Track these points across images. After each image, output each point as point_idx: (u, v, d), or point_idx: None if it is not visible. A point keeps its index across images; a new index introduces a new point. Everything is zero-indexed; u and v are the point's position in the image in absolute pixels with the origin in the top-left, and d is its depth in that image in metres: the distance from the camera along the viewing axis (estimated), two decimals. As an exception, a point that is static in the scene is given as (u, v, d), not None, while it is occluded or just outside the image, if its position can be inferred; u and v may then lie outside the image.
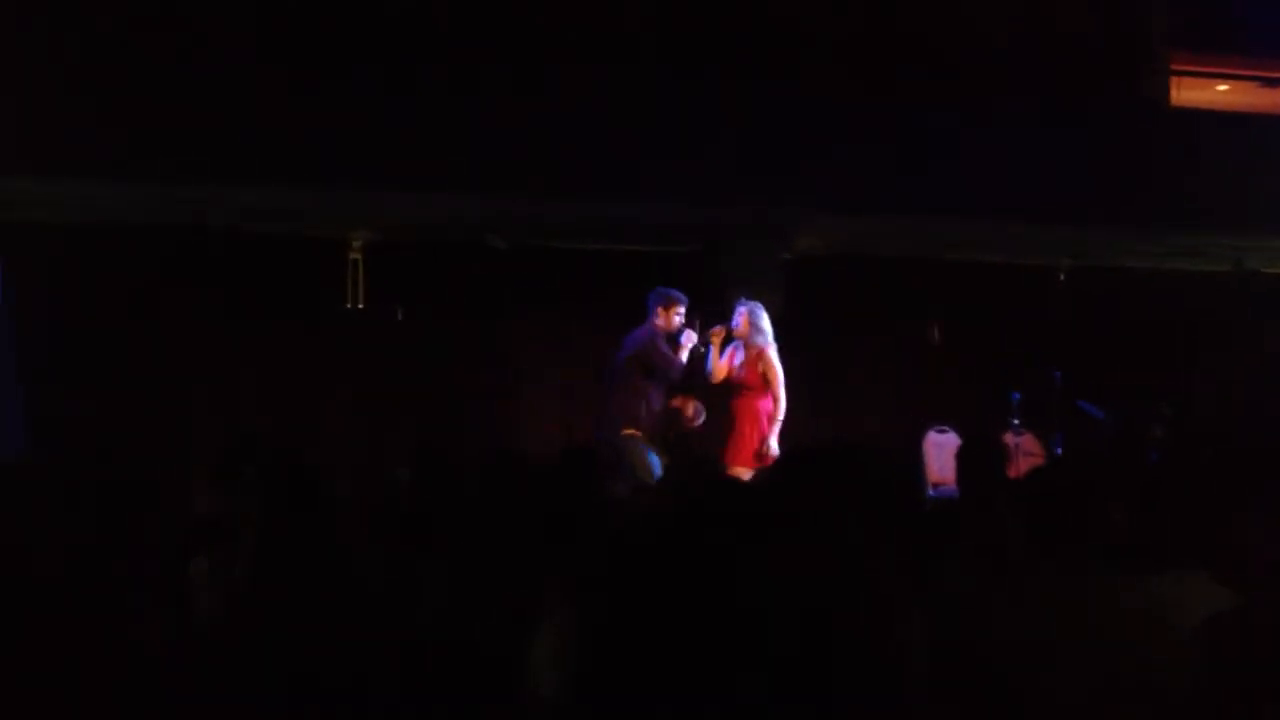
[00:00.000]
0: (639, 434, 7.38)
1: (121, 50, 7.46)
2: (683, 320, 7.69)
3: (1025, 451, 8.60)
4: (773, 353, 7.77)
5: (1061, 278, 9.83)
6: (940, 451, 8.55)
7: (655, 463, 7.12)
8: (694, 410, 7.83)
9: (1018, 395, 8.83)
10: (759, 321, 7.78)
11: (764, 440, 7.67)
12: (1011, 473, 7.36)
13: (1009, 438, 8.56)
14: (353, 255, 8.80)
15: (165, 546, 3.72)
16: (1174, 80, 9.98)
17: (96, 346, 8.16)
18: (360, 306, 8.78)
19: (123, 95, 7.36)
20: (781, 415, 7.75)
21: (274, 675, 2.79)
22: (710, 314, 7.87)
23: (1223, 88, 10.62)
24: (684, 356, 7.64)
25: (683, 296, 7.72)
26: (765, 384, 7.74)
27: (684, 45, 8.45)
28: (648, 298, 7.73)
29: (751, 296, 7.92)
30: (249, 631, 2.82)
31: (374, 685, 2.79)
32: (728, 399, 7.81)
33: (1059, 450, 8.78)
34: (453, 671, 2.70)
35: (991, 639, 2.66)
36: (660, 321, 7.66)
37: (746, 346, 7.78)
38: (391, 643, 2.76)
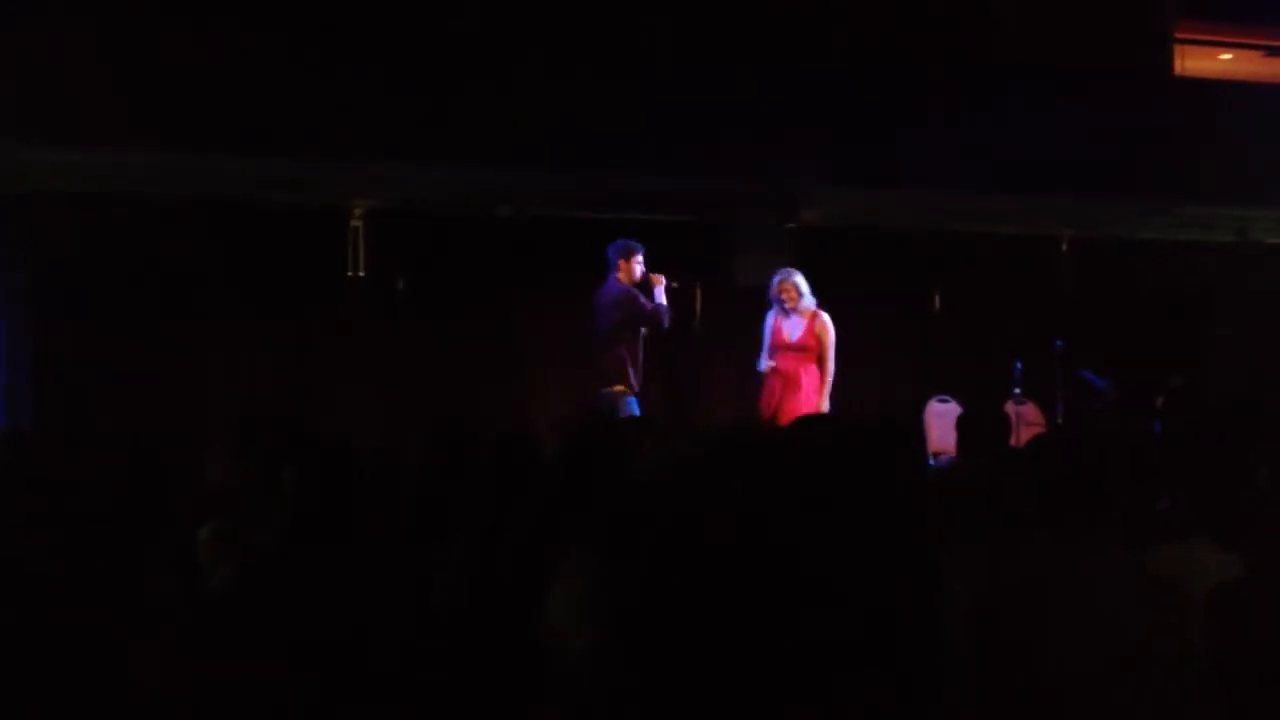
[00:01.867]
0: (625, 389, 7.51)
1: (127, 20, 7.43)
2: (643, 268, 7.70)
3: (1027, 421, 8.62)
4: (825, 314, 7.89)
5: (1064, 248, 9.83)
6: (942, 421, 8.56)
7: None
8: None
9: (1020, 364, 8.85)
10: (801, 286, 7.86)
11: (820, 407, 7.75)
12: (1013, 442, 7.41)
13: (1010, 407, 8.58)
14: (354, 223, 8.79)
15: (175, 515, 3.75)
16: (1178, 49, 9.95)
17: (103, 316, 8.16)
18: (361, 275, 8.77)
19: (128, 64, 7.33)
20: (831, 379, 7.86)
21: (287, 645, 2.81)
22: (715, 284, 7.88)
23: (1226, 57, 10.59)
24: (663, 304, 7.66)
25: (638, 245, 7.73)
26: (820, 347, 7.84)
27: (692, 18, 8.41)
28: (607, 251, 7.74)
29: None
30: (268, 601, 2.84)
31: (385, 657, 2.82)
32: (782, 365, 7.82)
33: (1060, 419, 8.81)
34: (466, 644, 2.72)
35: (997, 609, 2.69)
36: (621, 274, 7.69)
37: (799, 312, 7.84)
38: (405, 616, 2.79)
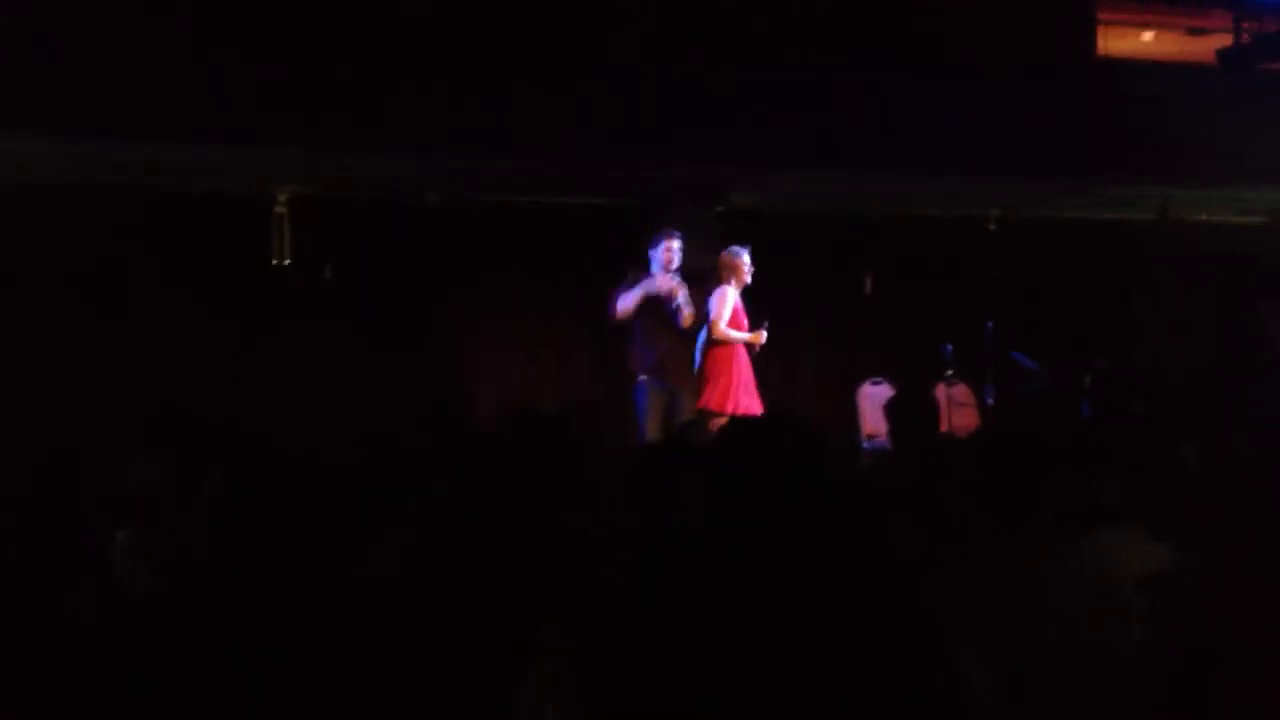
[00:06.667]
0: (645, 377, 7.58)
1: (42, 3, 7.22)
2: (671, 254, 7.65)
3: (958, 402, 8.69)
4: None
5: (991, 229, 9.91)
6: (875, 404, 8.62)
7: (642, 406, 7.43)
8: None
9: (950, 347, 8.90)
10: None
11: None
12: (944, 424, 7.46)
13: (941, 389, 8.63)
14: (278, 210, 8.63)
15: (91, 517, 3.63)
16: (1100, 29, 10.04)
17: (11, 310, 7.92)
18: (287, 263, 8.61)
19: (42, 49, 7.12)
20: None
21: (211, 653, 2.73)
22: (645, 268, 7.83)
23: (1148, 37, 10.70)
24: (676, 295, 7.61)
25: (669, 232, 7.70)
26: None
27: (620, 4, 8.34)
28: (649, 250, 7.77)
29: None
30: (189, 607, 2.75)
31: (321, 660, 2.75)
32: (727, 347, 7.70)
33: (990, 400, 8.88)
34: (406, 643, 2.66)
35: (927, 598, 2.66)
36: (658, 269, 7.68)
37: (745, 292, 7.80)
38: (339, 617, 2.71)
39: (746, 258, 7.80)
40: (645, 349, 7.61)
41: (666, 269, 7.66)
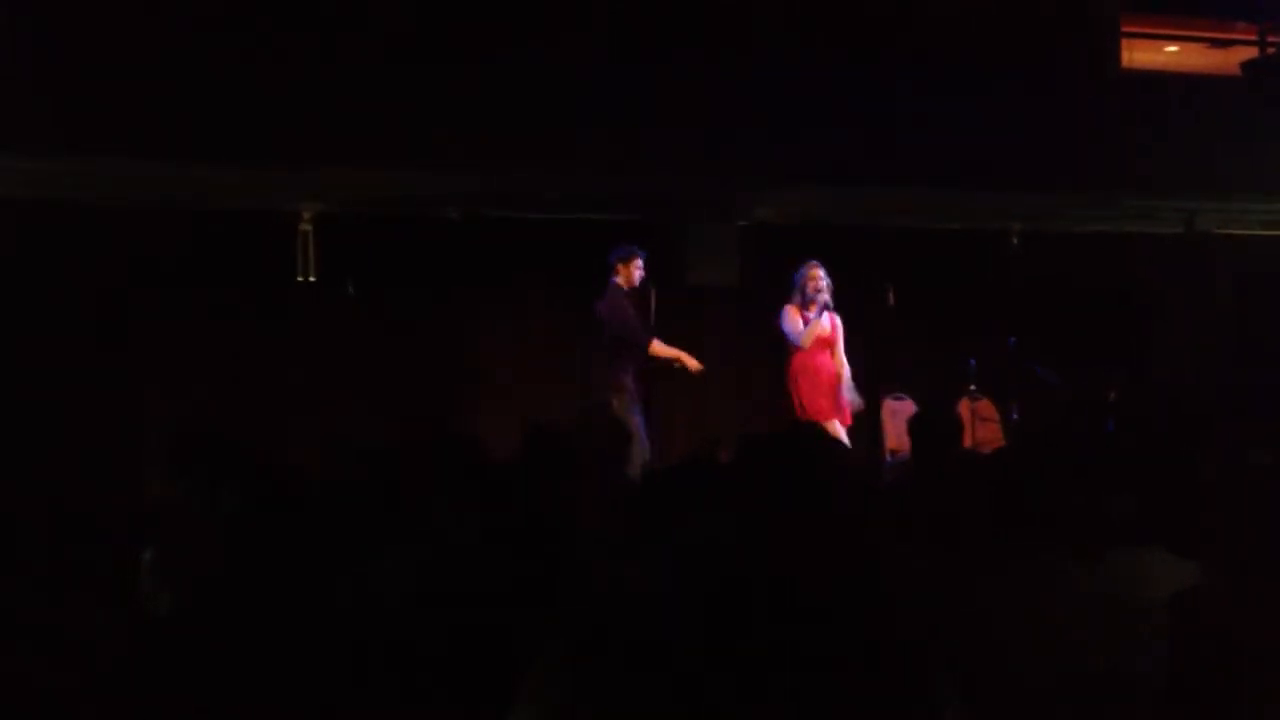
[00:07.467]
0: (624, 396, 7.56)
1: (61, 21, 7.28)
2: (643, 273, 7.69)
3: (982, 417, 8.65)
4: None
5: (1015, 243, 9.85)
6: (897, 419, 8.58)
7: (640, 424, 7.41)
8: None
9: (974, 362, 8.85)
10: (826, 277, 7.99)
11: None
12: (967, 439, 7.42)
13: (965, 404, 8.59)
14: (303, 228, 8.67)
15: (115, 537, 3.64)
16: (1124, 43, 10.00)
17: (37, 329, 7.96)
18: (311, 280, 8.64)
19: (63, 67, 7.19)
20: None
21: (234, 671, 2.73)
22: (668, 285, 7.83)
23: (1173, 49, 10.65)
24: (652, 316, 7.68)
25: (638, 249, 7.76)
26: (836, 340, 8.07)
27: (639, 15, 8.36)
28: (608, 258, 7.75)
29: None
30: (210, 627, 2.75)
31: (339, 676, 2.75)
32: (801, 357, 7.87)
33: (1015, 416, 8.82)
34: (420, 659, 2.65)
35: (947, 616, 2.64)
36: (620, 279, 7.65)
37: (823, 304, 7.93)
38: (355, 638, 2.71)
39: (805, 271, 7.96)
40: (619, 366, 7.64)
41: (630, 284, 7.69)
